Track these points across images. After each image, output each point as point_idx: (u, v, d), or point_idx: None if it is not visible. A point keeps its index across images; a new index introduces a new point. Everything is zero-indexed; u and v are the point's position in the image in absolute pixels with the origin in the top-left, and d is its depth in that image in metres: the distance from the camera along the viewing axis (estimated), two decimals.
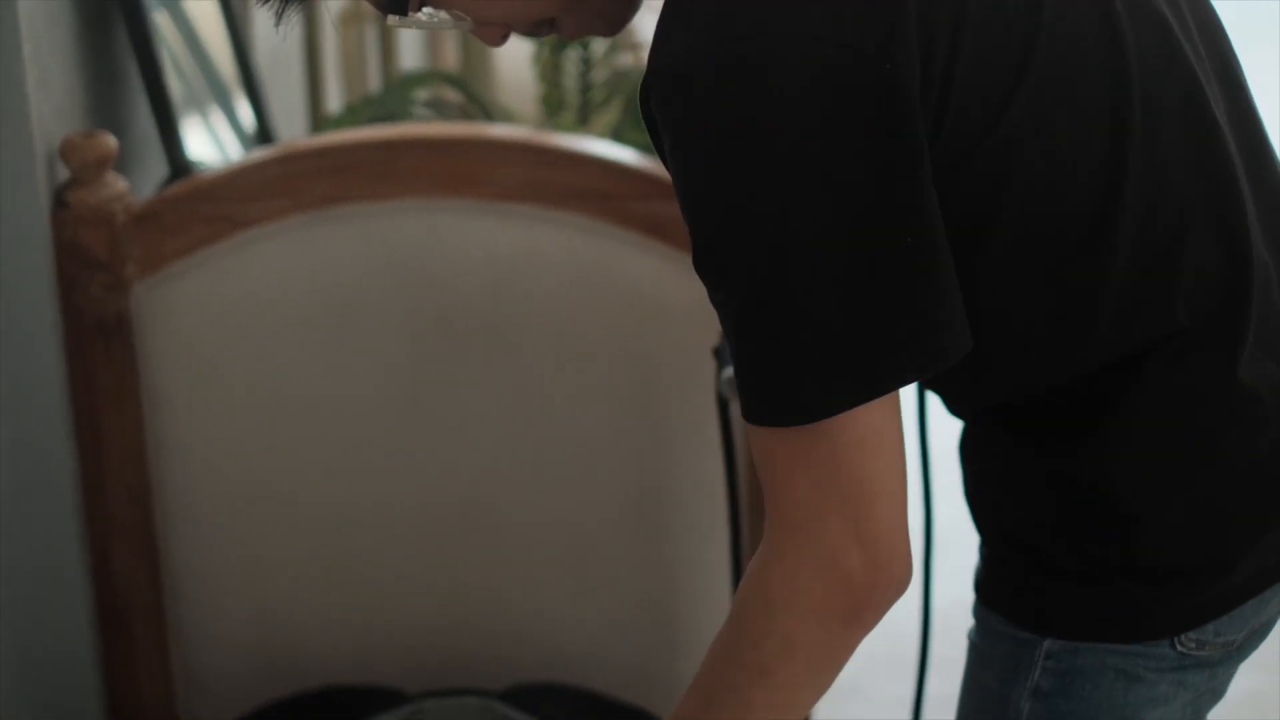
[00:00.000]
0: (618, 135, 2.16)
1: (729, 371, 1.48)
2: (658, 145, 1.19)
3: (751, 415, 1.17)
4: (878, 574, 1.17)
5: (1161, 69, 1.25)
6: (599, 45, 2.40)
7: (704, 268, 1.16)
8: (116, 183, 1.82)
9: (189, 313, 1.84)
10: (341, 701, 1.79)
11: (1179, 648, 1.32)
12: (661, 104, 1.14)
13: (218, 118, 2.26)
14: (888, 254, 1.13)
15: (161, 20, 2.07)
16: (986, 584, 1.37)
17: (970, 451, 1.38)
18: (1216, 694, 1.38)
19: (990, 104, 1.17)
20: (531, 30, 1.27)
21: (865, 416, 1.15)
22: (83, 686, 1.94)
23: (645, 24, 3.46)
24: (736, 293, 1.14)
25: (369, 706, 1.73)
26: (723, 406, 1.50)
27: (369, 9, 3.16)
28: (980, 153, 1.18)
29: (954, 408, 1.36)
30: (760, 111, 1.10)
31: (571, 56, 2.33)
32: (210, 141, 2.20)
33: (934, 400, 1.43)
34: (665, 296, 1.79)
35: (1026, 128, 1.19)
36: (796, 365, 1.14)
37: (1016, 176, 1.20)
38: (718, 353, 1.48)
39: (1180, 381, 1.27)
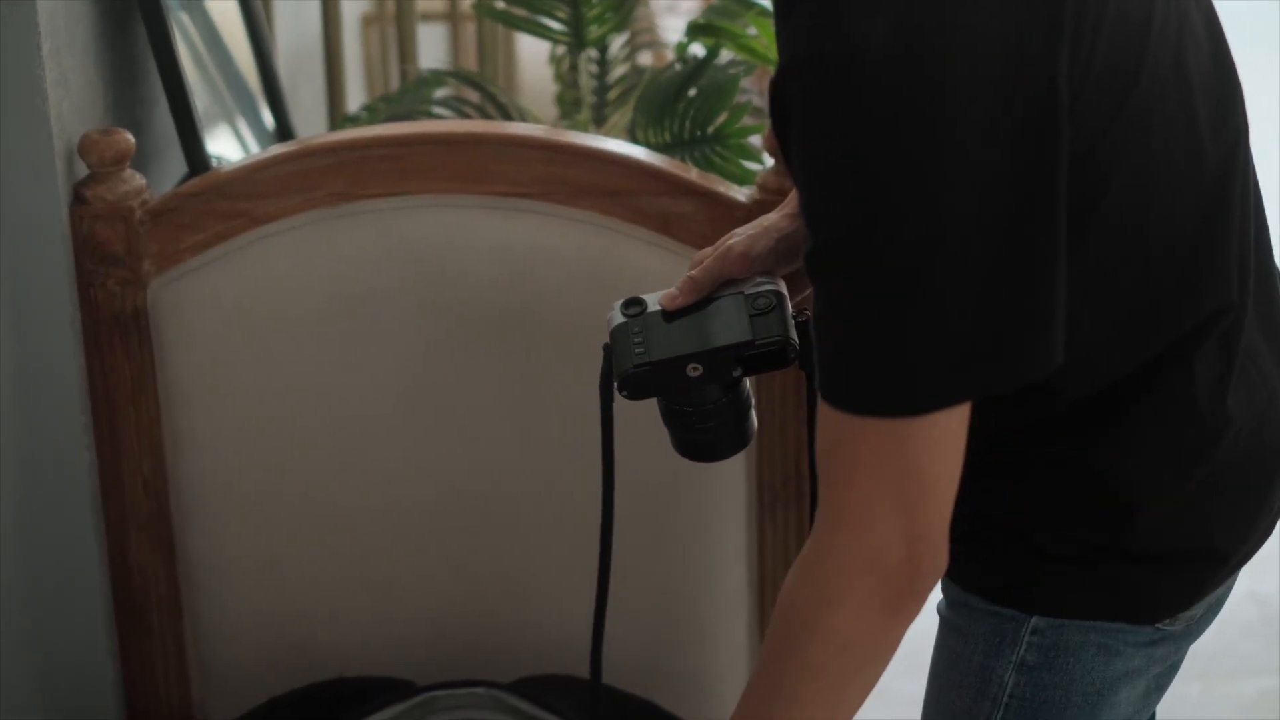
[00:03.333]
0: (632, 134, 2.17)
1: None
2: (783, 133, 1.19)
3: (842, 400, 1.17)
4: (917, 568, 1.20)
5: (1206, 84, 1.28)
6: (615, 46, 2.41)
7: (830, 252, 1.15)
8: (134, 179, 1.84)
9: (205, 308, 1.86)
10: (353, 692, 1.81)
11: (1158, 625, 1.35)
12: (806, 91, 1.14)
13: (238, 118, 2.28)
14: (1023, 256, 1.14)
15: (183, 21, 2.09)
16: (962, 566, 1.39)
17: None
18: (1174, 669, 1.44)
19: (1109, 106, 1.19)
20: None
21: (946, 419, 1.16)
22: (100, 679, 1.95)
23: (664, 24, 3.45)
24: (864, 279, 1.14)
25: (380, 697, 1.74)
26: (607, 400, 1.49)
27: (390, 9, 3.18)
28: (1092, 153, 1.19)
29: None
30: (922, 102, 1.11)
31: (588, 57, 2.34)
32: (230, 141, 2.22)
33: None
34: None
35: (1132, 130, 1.21)
36: (912, 355, 1.14)
37: (1115, 180, 1.21)
38: (608, 350, 1.47)
39: (1193, 381, 1.29)
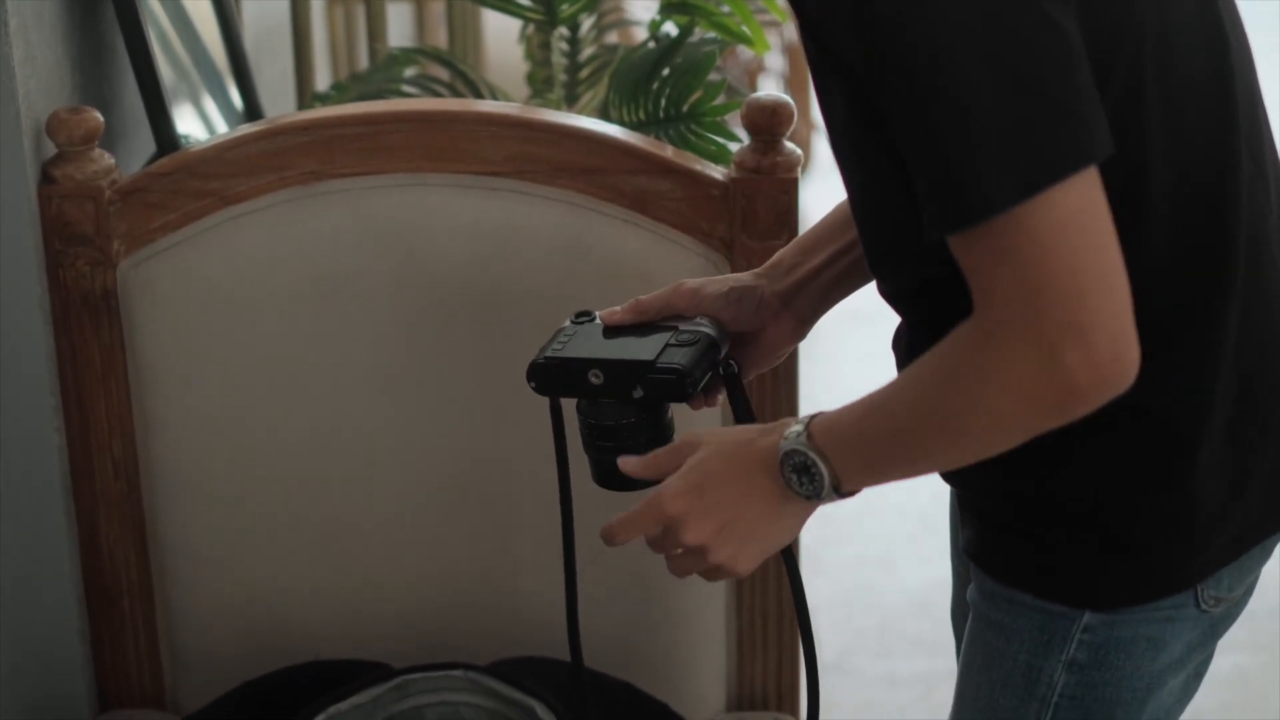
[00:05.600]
0: (605, 112, 2.16)
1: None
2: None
3: (945, 225, 1.18)
4: (1098, 370, 1.17)
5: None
6: (586, 23, 2.40)
7: (890, 87, 1.19)
8: (103, 158, 1.82)
9: (176, 288, 1.84)
10: (329, 675, 1.80)
11: (1201, 605, 1.36)
12: None
13: (205, 96, 2.26)
14: (1042, 55, 1.16)
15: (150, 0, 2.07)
16: (1006, 560, 1.38)
17: None
18: (1210, 657, 1.44)
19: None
20: None
21: (1062, 200, 1.15)
22: (72, 662, 1.94)
23: (632, 3, 3.44)
24: (912, 106, 1.17)
25: (356, 680, 1.73)
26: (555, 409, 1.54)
27: None
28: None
29: None
30: None
31: (559, 35, 2.33)
32: (198, 120, 2.20)
33: None
34: (651, 271, 1.79)
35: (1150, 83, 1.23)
36: (973, 159, 1.16)
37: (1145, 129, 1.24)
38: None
39: (1231, 319, 1.30)
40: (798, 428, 1.30)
